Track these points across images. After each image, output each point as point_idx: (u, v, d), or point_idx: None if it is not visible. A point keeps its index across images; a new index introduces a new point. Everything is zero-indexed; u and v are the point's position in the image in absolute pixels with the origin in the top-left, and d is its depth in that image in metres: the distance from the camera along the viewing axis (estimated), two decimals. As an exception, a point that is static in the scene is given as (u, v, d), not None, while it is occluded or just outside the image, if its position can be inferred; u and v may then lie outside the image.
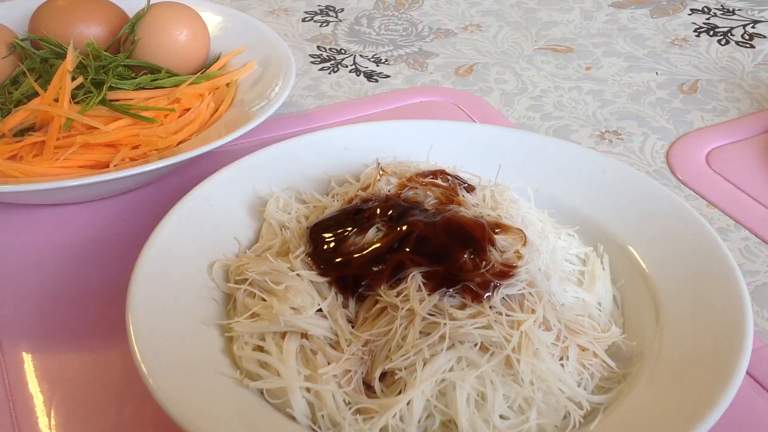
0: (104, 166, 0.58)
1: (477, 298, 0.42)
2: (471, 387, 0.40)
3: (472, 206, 0.49)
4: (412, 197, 0.49)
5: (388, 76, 0.80)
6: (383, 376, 0.41)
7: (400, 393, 0.40)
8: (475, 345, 0.41)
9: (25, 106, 0.60)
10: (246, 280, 0.45)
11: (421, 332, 0.41)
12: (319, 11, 0.94)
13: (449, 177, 0.51)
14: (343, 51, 0.85)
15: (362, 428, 0.39)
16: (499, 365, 0.40)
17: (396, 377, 0.40)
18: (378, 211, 0.47)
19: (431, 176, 0.51)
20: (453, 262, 0.43)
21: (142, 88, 0.64)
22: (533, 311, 0.42)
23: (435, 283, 0.42)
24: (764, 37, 0.87)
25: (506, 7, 0.95)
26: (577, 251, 0.51)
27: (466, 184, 0.51)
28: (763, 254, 0.57)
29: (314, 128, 0.66)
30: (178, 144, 0.61)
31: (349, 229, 0.47)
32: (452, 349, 0.40)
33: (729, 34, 0.88)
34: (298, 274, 0.44)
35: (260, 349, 0.42)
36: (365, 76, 0.80)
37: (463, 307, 0.42)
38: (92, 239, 0.57)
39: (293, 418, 0.40)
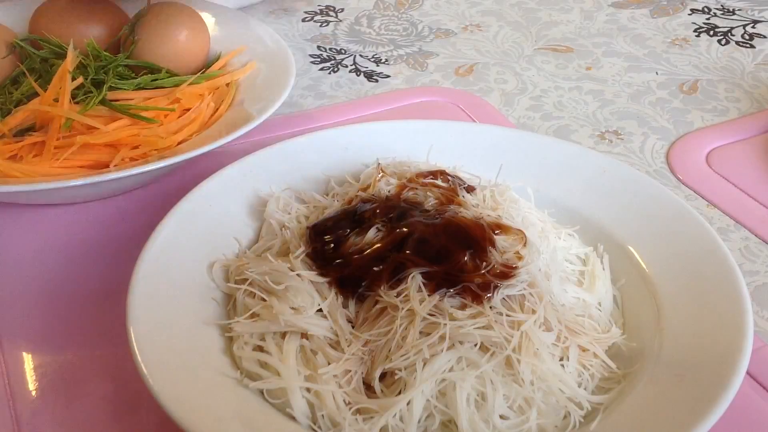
0: (104, 166, 0.58)
1: (477, 298, 0.42)
2: (471, 387, 0.40)
3: (472, 207, 0.49)
4: (412, 198, 0.49)
5: (388, 76, 0.80)
6: (383, 376, 0.41)
7: (400, 393, 0.40)
8: (475, 345, 0.40)
9: (25, 106, 0.60)
10: (246, 280, 0.45)
11: (421, 332, 0.41)
12: (319, 11, 0.94)
13: (449, 177, 0.51)
14: (343, 51, 0.85)
15: (362, 428, 0.39)
16: (499, 365, 0.40)
17: (396, 377, 0.40)
18: (378, 211, 0.47)
19: (431, 177, 0.51)
20: (453, 263, 0.43)
21: (142, 88, 0.64)
22: (534, 312, 0.42)
23: (435, 283, 0.42)
24: (764, 37, 0.87)
25: (506, 7, 0.95)
26: (578, 251, 0.51)
27: (466, 185, 0.51)
28: (763, 254, 0.57)
29: (314, 128, 0.66)
30: (178, 144, 0.61)
31: (349, 229, 0.47)
32: (452, 349, 0.40)
33: (729, 34, 0.88)
34: (298, 274, 0.44)
35: (260, 349, 0.42)
36: (365, 76, 0.80)
37: (463, 307, 0.42)
38: (92, 239, 0.57)
39: (293, 418, 0.40)
